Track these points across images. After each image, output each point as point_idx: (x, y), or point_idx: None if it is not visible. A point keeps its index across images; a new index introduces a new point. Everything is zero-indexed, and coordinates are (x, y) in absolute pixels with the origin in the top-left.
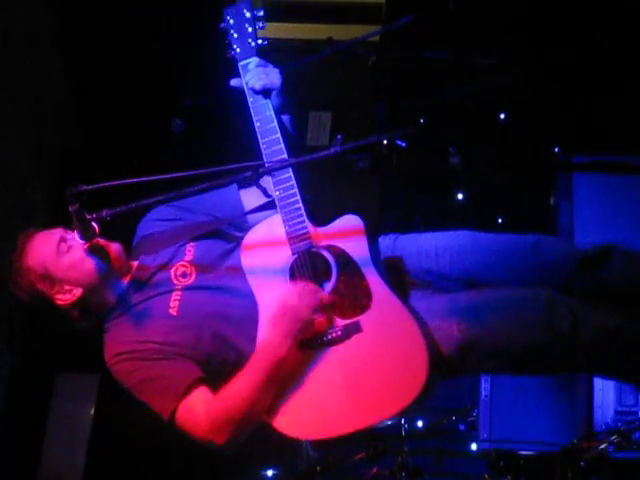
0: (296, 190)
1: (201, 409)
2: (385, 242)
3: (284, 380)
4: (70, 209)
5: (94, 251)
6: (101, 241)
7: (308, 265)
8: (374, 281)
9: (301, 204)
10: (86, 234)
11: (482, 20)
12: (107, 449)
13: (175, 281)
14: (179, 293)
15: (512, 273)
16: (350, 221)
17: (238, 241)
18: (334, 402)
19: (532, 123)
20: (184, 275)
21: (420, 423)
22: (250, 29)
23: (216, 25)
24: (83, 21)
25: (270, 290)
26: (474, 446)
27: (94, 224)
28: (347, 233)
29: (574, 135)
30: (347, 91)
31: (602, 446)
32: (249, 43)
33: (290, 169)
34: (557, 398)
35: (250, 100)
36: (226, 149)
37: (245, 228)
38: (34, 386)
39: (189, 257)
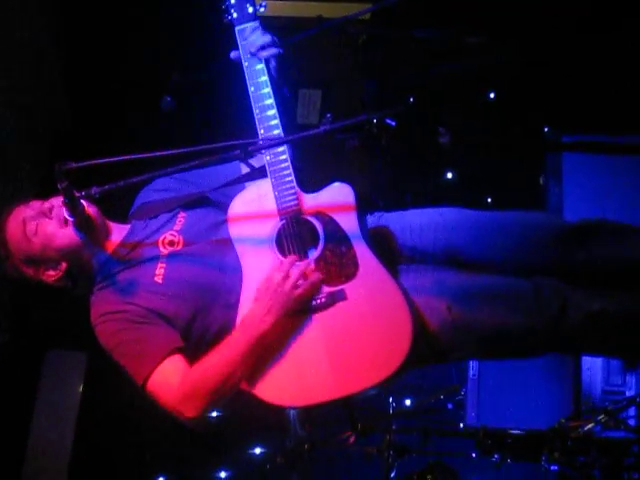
0: (287, 156)
1: (175, 378)
2: (370, 220)
3: (266, 348)
4: (59, 186)
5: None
6: None
7: (295, 232)
8: (361, 250)
9: (291, 170)
10: (75, 211)
11: None
12: (95, 426)
13: (162, 249)
14: (165, 261)
15: (497, 249)
16: (339, 189)
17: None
18: (316, 369)
19: (521, 102)
20: (171, 243)
21: (408, 402)
22: None
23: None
24: (74, 1)
25: (256, 257)
26: (462, 425)
27: (83, 202)
28: (336, 201)
29: (564, 115)
30: (337, 69)
31: (589, 425)
32: (247, 8)
33: (281, 133)
34: (545, 377)
35: (245, 65)
36: (216, 126)
37: None
38: (22, 363)
39: (178, 226)
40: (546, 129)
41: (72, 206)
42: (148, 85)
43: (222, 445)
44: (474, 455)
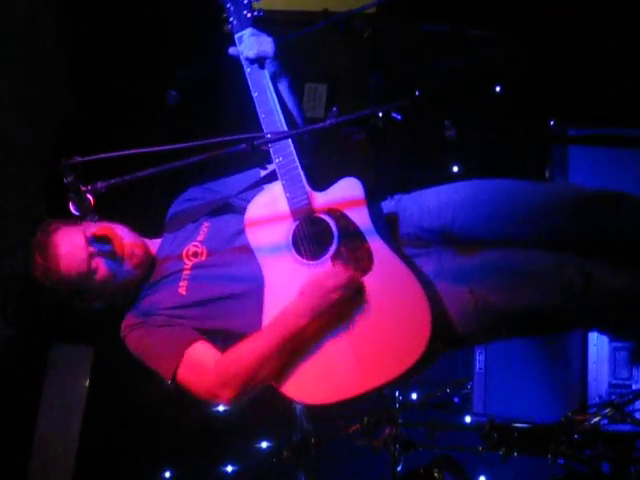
0: (295, 157)
1: (209, 362)
2: (389, 204)
3: (298, 346)
4: (65, 181)
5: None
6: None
7: (309, 231)
8: (375, 243)
9: (300, 170)
10: (81, 206)
11: None
12: (102, 420)
13: (186, 260)
14: (189, 273)
15: (517, 224)
16: (349, 183)
17: None
18: (339, 365)
19: (528, 96)
20: (195, 255)
21: (414, 395)
22: (245, 0)
23: None
24: None
25: (275, 260)
26: (468, 418)
27: (89, 196)
28: (346, 196)
29: (570, 108)
30: (343, 63)
31: (596, 419)
32: (245, 15)
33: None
34: (551, 371)
35: (247, 71)
36: (221, 120)
37: None
38: (28, 357)
39: (201, 237)
40: (552, 122)
41: (78, 201)
42: (153, 79)
43: (229, 439)
44: (480, 449)
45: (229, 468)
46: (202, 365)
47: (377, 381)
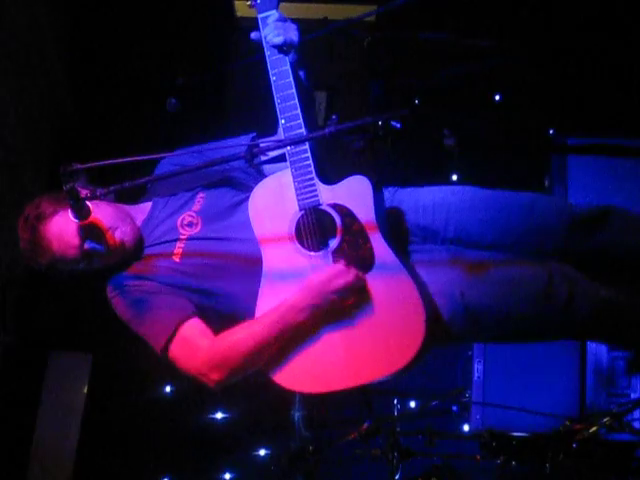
0: (307, 146)
1: (203, 341)
2: (385, 195)
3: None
4: (64, 188)
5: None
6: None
7: (313, 223)
8: (378, 243)
9: (311, 160)
10: (80, 213)
11: (479, 1)
12: (100, 428)
13: (181, 230)
14: (183, 242)
15: (508, 232)
16: (358, 181)
17: (249, 192)
18: (331, 358)
19: (527, 104)
20: (190, 225)
21: (412, 404)
22: None
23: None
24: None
25: (275, 245)
26: (466, 427)
27: (88, 203)
28: (355, 193)
29: (569, 117)
30: (343, 71)
31: (594, 428)
32: None
33: (302, 122)
34: (550, 379)
35: (267, 54)
36: (220, 127)
37: (260, 178)
38: (27, 365)
39: (197, 207)
40: (551, 131)
41: (77, 208)
42: (152, 86)
43: (227, 446)
44: (479, 457)
45: (227, 476)
46: (196, 343)
47: (366, 377)
